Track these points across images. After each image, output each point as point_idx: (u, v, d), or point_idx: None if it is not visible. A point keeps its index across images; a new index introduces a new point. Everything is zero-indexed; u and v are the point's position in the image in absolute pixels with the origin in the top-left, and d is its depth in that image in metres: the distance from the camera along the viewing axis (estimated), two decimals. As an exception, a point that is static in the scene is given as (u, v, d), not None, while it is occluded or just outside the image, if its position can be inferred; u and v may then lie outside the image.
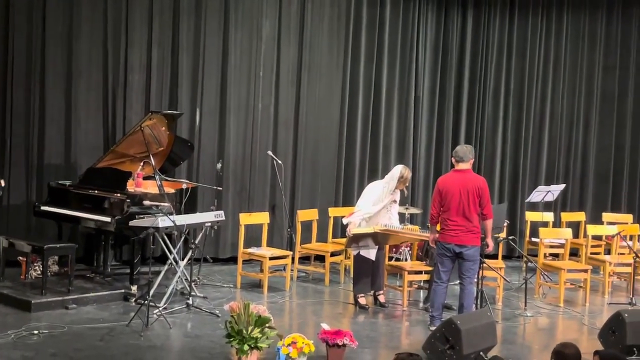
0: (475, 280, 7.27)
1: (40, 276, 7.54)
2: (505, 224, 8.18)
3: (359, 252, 7.88)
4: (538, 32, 11.33)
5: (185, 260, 7.67)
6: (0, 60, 8.54)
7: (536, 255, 9.24)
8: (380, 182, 8.05)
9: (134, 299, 7.50)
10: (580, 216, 10.73)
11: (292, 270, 8.87)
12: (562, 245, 9.43)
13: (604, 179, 11.59)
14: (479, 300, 7.43)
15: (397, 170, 7.86)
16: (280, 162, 9.65)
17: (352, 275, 8.22)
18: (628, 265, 8.97)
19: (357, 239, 7.77)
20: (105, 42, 9.00)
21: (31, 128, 8.69)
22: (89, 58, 8.94)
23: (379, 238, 7.84)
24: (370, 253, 7.86)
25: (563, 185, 10.71)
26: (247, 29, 9.79)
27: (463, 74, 11.19)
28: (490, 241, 7.24)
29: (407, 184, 8.03)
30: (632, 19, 11.47)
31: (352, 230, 7.74)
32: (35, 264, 7.91)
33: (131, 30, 9.10)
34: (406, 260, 9.01)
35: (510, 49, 11.29)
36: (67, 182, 8.27)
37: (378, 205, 7.81)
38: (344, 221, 8.03)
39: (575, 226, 10.42)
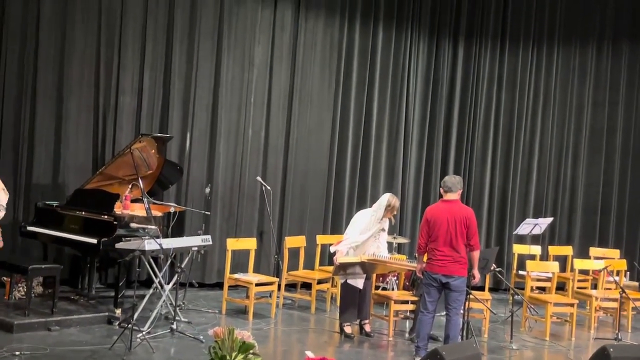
0: (462, 311, 7.25)
1: (24, 297, 7.47)
2: (493, 268, 8.15)
3: (346, 280, 7.86)
4: (529, 65, 11.45)
5: (171, 284, 7.63)
6: (-9, 80, 8.53)
7: (523, 288, 9.22)
8: (369, 210, 8.05)
9: (117, 322, 7.43)
10: (567, 250, 10.74)
11: (278, 297, 8.82)
12: (549, 279, 9.43)
13: (592, 214, 11.63)
14: (464, 332, 7.39)
15: (385, 198, 7.87)
16: (269, 188, 9.65)
17: (338, 304, 8.17)
18: (614, 300, 8.96)
19: (344, 267, 7.75)
20: (97, 64, 9.00)
21: (20, 147, 8.66)
22: (80, 79, 8.93)
23: (366, 267, 7.83)
24: (358, 282, 7.84)
25: (551, 219, 10.73)
26: (240, 54, 9.84)
27: (453, 105, 11.26)
28: (476, 272, 7.24)
29: (395, 213, 8.04)
30: (621, 55, 11.61)
31: (339, 259, 7.72)
32: (19, 285, 7.84)
33: (124, 53, 9.11)
34: (393, 289, 8.98)
35: (501, 81, 11.39)
36: (55, 203, 8.23)
37: (365, 234, 7.81)
38: (332, 249, 8.02)
39: (562, 260, 10.42)
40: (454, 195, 7.16)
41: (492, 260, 8.15)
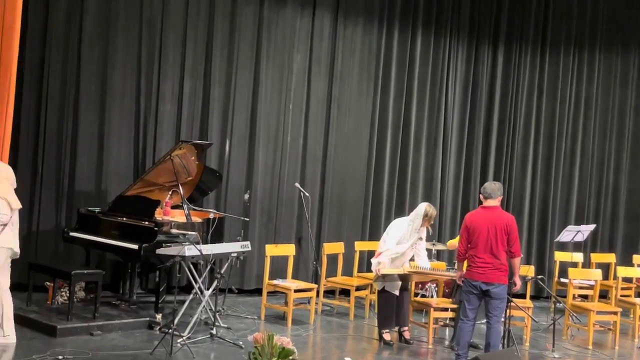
0: (503, 319, 7.17)
1: (67, 302, 7.57)
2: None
3: (383, 287, 7.83)
4: (569, 71, 11.33)
5: (210, 290, 7.67)
6: (35, 87, 8.67)
7: (565, 296, 9.09)
8: (405, 219, 8.02)
9: (158, 328, 7.49)
10: (610, 257, 10.58)
11: (316, 303, 8.82)
12: (591, 287, 9.29)
13: (635, 220, 11.45)
14: (506, 340, 7.30)
15: (422, 208, 7.84)
16: (307, 194, 9.66)
17: (376, 311, 8.15)
18: (659, 308, 8.81)
19: (385, 277, 7.74)
20: (138, 71, 9.12)
21: (63, 154, 8.78)
22: (122, 87, 9.06)
23: (407, 276, 7.80)
24: (394, 287, 7.81)
25: (593, 226, 10.58)
26: (279, 62, 9.89)
27: (493, 112, 11.18)
28: (518, 280, 7.15)
29: (432, 222, 8.01)
30: (664, 60, 11.43)
31: (382, 270, 7.70)
32: (62, 290, 7.95)
33: (164, 61, 9.22)
34: (432, 296, 8.92)
35: (541, 87, 11.28)
36: (97, 209, 8.34)
37: (404, 244, 7.79)
38: (373, 262, 7.94)
39: (605, 267, 10.26)
40: (494, 202, 7.08)
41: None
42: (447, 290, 8.75)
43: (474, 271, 6.98)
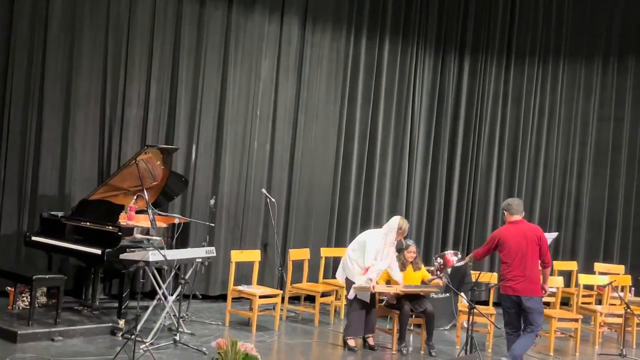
0: (538, 330, 7.29)
1: (28, 307, 7.48)
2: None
3: (355, 296, 7.86)
4: (534, 81, 11.48)
5: (175, 295, 7.63)
6: (-2, 89, 8.58)
7: (527, 303, 9.17)
8: (378, 232, 8.04)
9: (121, 333, 7.43)
10: (572, 265, 10.72)
11: (281, 309, 8.82)
12: (553, 294, 9.39)
13: (597, 229, 11.61)
14: (468, 346, 7.38)
15: (395, 221, 7.91)
16: (274, 200, 9.67)
17: (342, 317, 8.15)
18: (619, 316, 8.94)
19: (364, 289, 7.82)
20: (104, 75, 9.04)
21: (26, 158, 8.68)
22: (87, 91, 8.97)
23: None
24: (366, 296, 7.86)
25: (556, 234, 10.71)
26: (246, 67, 9.89)
27: (458, 121, 11.30)
28: (547, 287, 7.39)
29: (405, 235, 8.10)
30: (627, 70, 11.62)
31: (377, 288, 7.74)
32: (23, 295, 7.85)
33: (130, 65, 9.16)
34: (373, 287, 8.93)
35: (506, 97, 11.43)
36: (60, 213, 8.25)
37: (385, 260, 7.89)
38: (359, 279, 7.81)
39: (567, 275, 10.41)
40: (519, 217, 7.32)
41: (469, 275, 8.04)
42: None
43: (509, 285, 7.15)
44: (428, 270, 8.80)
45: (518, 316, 7.24)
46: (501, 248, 7.21)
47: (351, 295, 7.86)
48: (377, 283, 7.78)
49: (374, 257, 7.83)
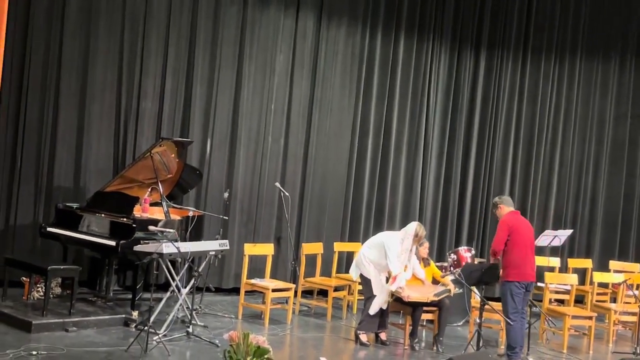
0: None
1: (43, 297, 7.54)
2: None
3: (373, 294, 7.85)
4: (550, 78, 11.40)
5: (188, 288, 7.66)
6: (15, 80, 8.61)
7: (541, 300, 9.16)
8: (396, 235, 7.99)
9: (134, 325, 7.47)
10: (587, 263, 10.66)
11: (294, 303, 8.83)
12: (567, 291, 9.36)
13: (612, 227, 11.53)
14: (475, 341, 7.41)
15: (412, 227, 7.88)
16: (287, 194, 9.67)
17: (362, 313, 8.12)
18: (633, 314, 8.89)
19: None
20: (120, 68, 9.09)
21: (42, 149, 8.74)
22: (103, 83, 9.02)
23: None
24: (384, 302, 7.92)
25: (570, 231, 10.65)
26: (261, 62, 9.89)
27: (473, 117, 11.24)
28: None
29: (421, 242, 8.10)
30: (645, 69, 11.52)
31: (412, 297, 7.74)
32: (38, 285, 7.91)
33: (146, 58, 9.19)
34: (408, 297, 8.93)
35: (522, 93, 11.35)
36: (75, 205, 8.30)
37: (409, 271, 8.00)
38: (390, 287, 7.80)
39: (581, 272, 10.34)
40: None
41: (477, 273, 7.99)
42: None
43: (527, 272, 7.43)
44: (440, 268, 8.79)
45: (523, 301, 7.49)
46: (513, 235, 7.41)
47: (394, 288, 7.77)
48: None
49: (398, 260, 7.78)
